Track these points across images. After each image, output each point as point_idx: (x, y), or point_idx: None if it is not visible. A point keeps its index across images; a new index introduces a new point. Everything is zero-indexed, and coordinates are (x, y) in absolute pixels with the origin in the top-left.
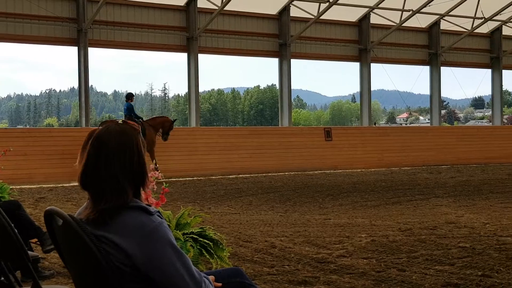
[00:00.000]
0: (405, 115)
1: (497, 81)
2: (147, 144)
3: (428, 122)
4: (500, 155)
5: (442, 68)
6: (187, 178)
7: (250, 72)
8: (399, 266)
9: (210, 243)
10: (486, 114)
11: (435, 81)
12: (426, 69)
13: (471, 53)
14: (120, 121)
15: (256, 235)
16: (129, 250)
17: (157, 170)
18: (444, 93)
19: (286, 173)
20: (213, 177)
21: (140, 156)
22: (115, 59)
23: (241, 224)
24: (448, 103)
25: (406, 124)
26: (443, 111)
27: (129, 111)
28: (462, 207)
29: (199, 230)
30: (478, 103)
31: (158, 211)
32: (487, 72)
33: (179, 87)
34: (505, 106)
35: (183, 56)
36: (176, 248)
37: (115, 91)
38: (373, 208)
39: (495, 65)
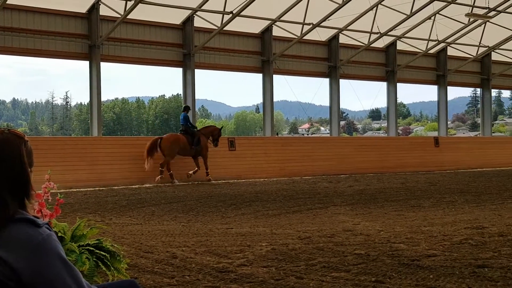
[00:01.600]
0: (307, 125)
1: (392, 93)
2: (201, 149)
3: (328, 133)
4: (395, 164)
5: (341, 80)
6: (89, 189)
7: (155, 82)
8: (297, 274)
9: (107, 255)
10: (382, 125)
11: (334, 93)
12: (326, 81)
13: (368, 66)
14: (6, 130)
15: (157, 245)
16: (15, 264)
17: (51, 183)
18: (344, 105)
19: (190, 182)
20: (115, 188)
21: (22, 166)
22: (14, 66)
23: (142, 235)
24: (348, 114)
25: (308, 134)
26: (342, 122)
27: (185, 121)
28: (358, 215)
29: (96, 241)
30: (375, 114)
31: (47, 223)
32: (383, 85)
33: (81, 95)
34: (400, 117)
35: (86, 64)
36: (66, 261)
37: (14, 99)
38: (274, 217)
39: (390, 78)
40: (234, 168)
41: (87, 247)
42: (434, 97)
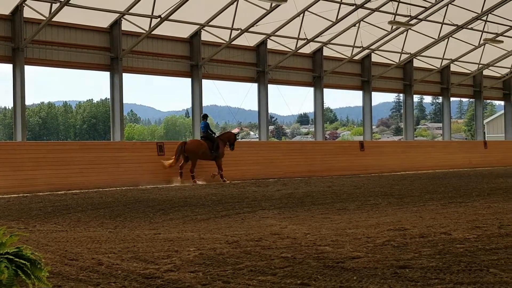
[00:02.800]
0: (236, 130)
1: (319, 99)
2: (220, 155)
3: (257, 137)
4: (322, 168)
5: (269, 85)
6: (12, 195)
7: (83, 86)
8: (224, 278)
9: (27, 263)
10: (310, 130)
11: (263, 98)
12: (254, 86)
13: (296, 72)
14: None
15: (83, 252)
16: None
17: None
18: (272, 110)
19: (118, 188)
20: (41, 194)
21: None
22: None
23: (67, 242)
24: (276, 119)
25: (238, 139)
26: (271, 127)
27: (206, 128)
28: (286, 218)
29: (15, 250)
30: (303, 119)
31: None
32: (310, 90)
33: (5, 99)
34: (327, 122)
35: (9, 67)
36: None
37: None
38: (202, 221)
39: (317, 83)
40: (163, 172)
41: (6, 256)
42: (360, 103)
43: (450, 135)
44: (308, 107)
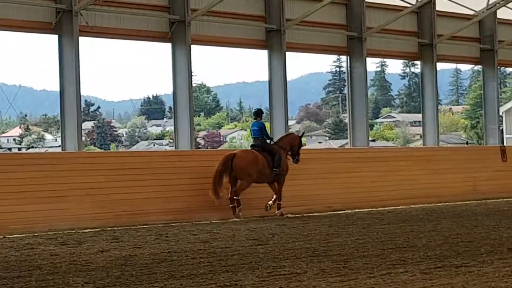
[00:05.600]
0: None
1: (181, 63)
2: (283, 172)
3: (60, 146)
4: (190, 206)
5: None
6: None
7: None
8: None
9: None
10: (168, 129)
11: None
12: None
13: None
14: None
15: None
16: None
17: None
18: (90, 92)
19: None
20: None
21: None
22: None
23: None
24: (99, 106)
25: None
26: (89, 124)
27: (261, 132)
28: None
29: None
30: (153, 108)
31: None
32: (168, 47)
33: None
34: (201, 113)
35: None
36: None
37: None
38: None
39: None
40: None
41: None
42: (265, 76)
43: (437, 136)
44: (165, 86)
